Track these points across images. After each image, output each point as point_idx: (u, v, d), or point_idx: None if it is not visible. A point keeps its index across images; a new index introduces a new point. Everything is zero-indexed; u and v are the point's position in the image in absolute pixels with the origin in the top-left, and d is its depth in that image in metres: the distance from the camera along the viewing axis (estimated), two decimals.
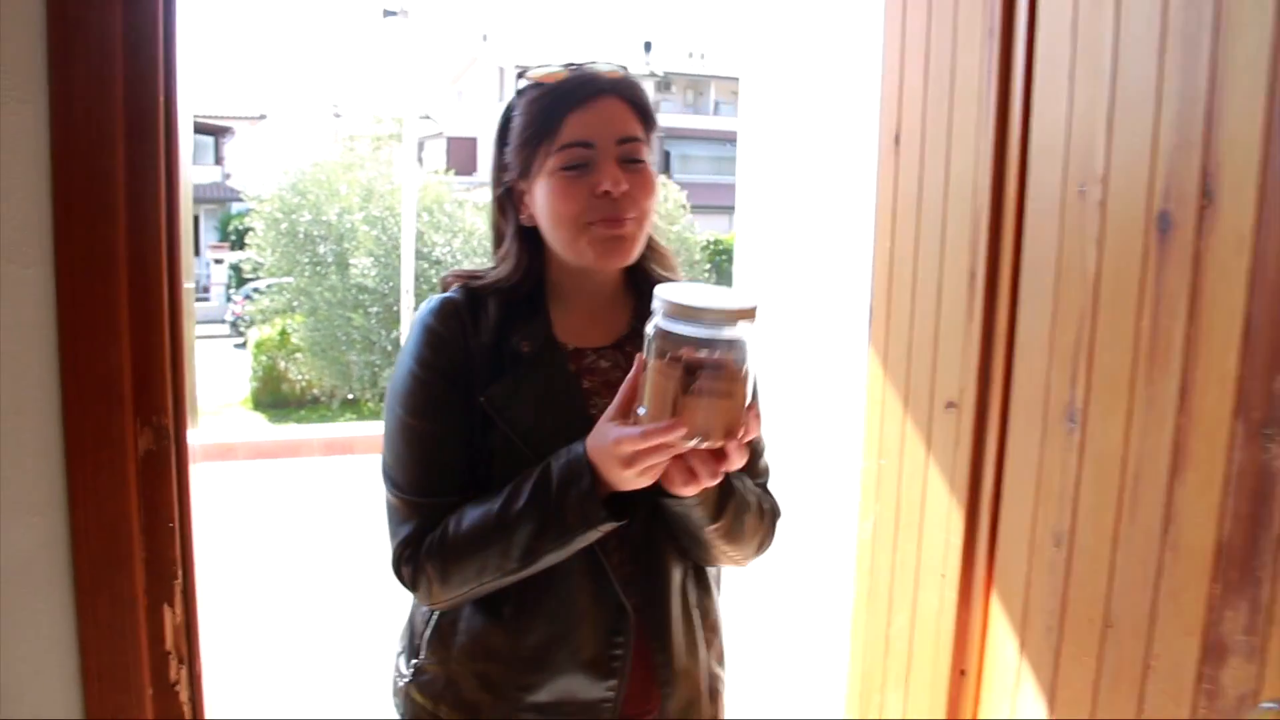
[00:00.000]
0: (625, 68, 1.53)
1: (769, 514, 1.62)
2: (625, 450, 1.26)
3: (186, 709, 1.81)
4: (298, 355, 16.66)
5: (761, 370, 1.64)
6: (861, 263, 2.49)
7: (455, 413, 1.48)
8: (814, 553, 2.76)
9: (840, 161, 2.70)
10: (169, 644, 1.78)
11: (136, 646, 1.77)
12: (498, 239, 1.61)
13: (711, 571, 1.67)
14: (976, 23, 2.07)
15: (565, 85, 1.47)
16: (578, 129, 1.45)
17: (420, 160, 26.01)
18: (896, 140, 2.31)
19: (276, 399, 17.42)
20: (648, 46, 38.84)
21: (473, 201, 17.67)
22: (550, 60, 1.53)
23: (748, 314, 1.22)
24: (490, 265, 1.61)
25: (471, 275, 1.58)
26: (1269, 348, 1.46)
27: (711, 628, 1.65)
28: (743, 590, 3.01)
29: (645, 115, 1.52)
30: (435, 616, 1.57)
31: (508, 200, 1.56)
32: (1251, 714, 1.47)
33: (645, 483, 1.32)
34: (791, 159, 3.04)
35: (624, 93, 1.49)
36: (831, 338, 2.73)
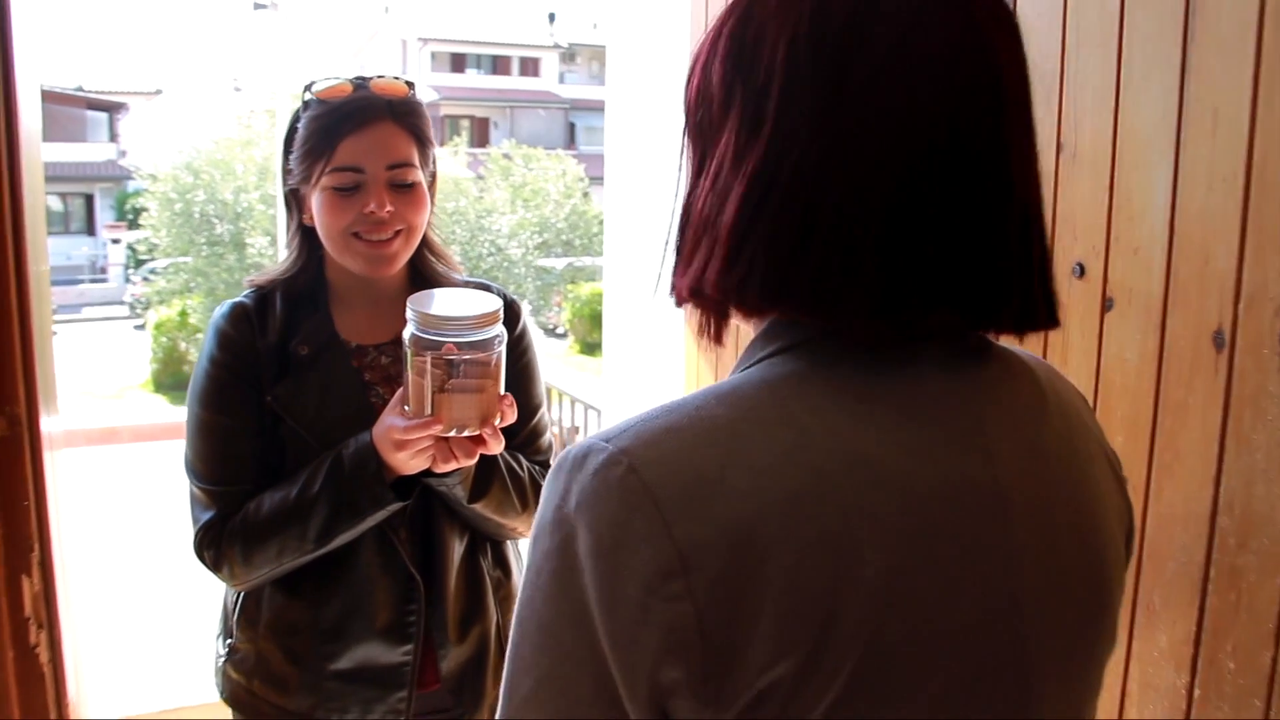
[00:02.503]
0: (412, 84, 1.63)
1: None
2: (395, 438, 1.43)
3: (47, 669, 1.92)
4: (198, 335, 16.41)
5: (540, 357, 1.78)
6: None
7: (247, 407, 1.60)
8: None
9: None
10: (28, 610, 1.89)
11: None
12: (289, 234, 1.73)
13: (509, 546, 1.81)
14: None
15: (343, 108, 1.55)
16: (349, 154, 1.54)
17: None
18: None
19: (177, 380, 17.10)
20: (551, 18, 38.65)
21: None
22: (341, 74, 1.61)
23: (489, 318, 1.39)
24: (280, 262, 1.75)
25: (260, 276, 1.70)
26: None
27: (508, 595, 1.77)
28: None
29: (421, 138, 1.61)
30: (242, 597, 1.68)
31: (292, 200, 1.66)
32: None
33: (420, 466, 1.49)
34: (653, 132, 3.08)
35: (401, 118, 1.58)
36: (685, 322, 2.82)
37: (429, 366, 1.38)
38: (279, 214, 11.30)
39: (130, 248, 25.66)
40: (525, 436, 1.76)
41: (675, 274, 0.79)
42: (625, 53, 3.32)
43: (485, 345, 1.39)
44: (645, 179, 3.16)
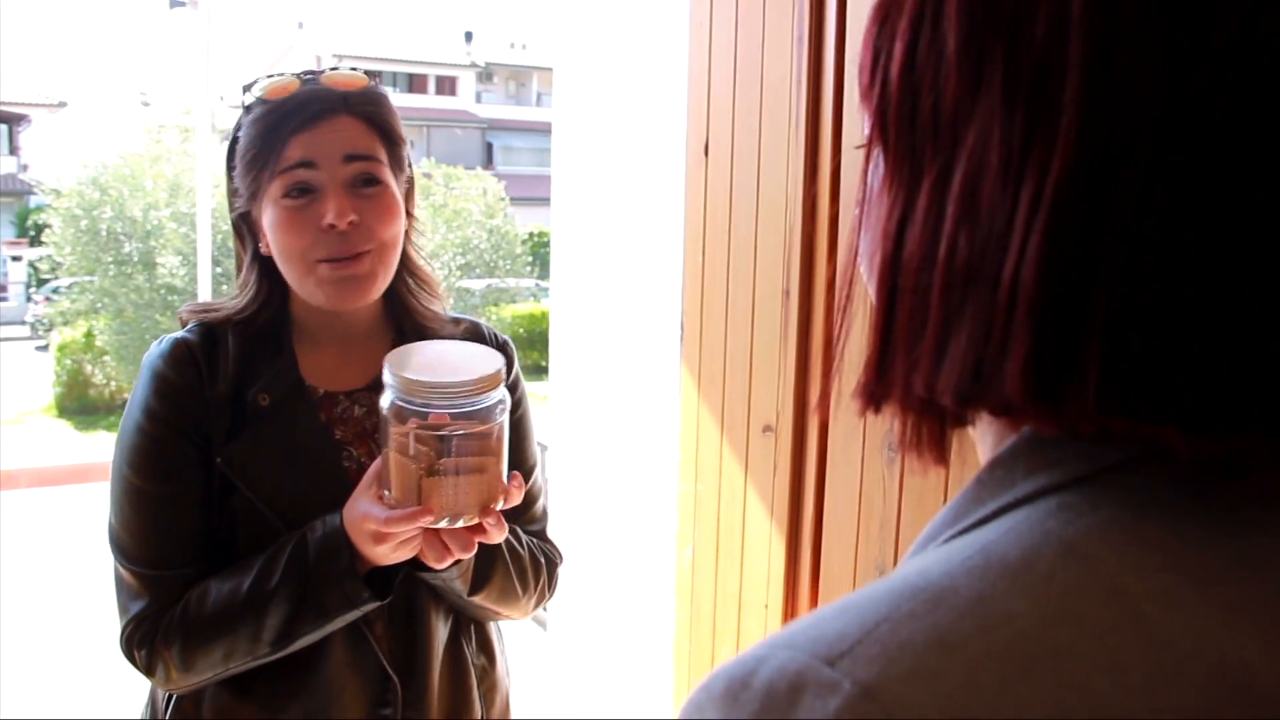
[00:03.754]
0: (373, 75, 1.38)
1: (545, 565, 1.52)
2: (372, 529, 1.18)
3: None
4: (105, 358, 15.78)
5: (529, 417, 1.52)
6: (672, 276, 2.38)
7: (190, 473, 1.31)
8: (632, 580, 2.65)
9: (651, 168, 2.58)
10: None
11: None
12: (238, 267, 1.44)
13: (491, 627, 1.55)
14: (785, 29, 1.97)
15: (290, 102, 1.30)
16: (299, 149, 1.28)
17: None
18: (705, 151, 2.21)
19: (83, 405, 16.46)
20: (469, 36, 38.39)
21: None
22: (289, 68, 1.37)
23: (490, 381, 1.13)
24: (225, 298, 1.45)
25: (207, 309, 1.41)
26: None
27: (492, 686, 1.53)
28: (563, 619, 2.88)
29: (385, 132, 1.36)
30: (176, 696, 1.39)
31: (243, 226, 1.39)
32: None
33: (402, 557, 1.24)
34: (605, 158, 2.91)
35: (358, 108, 1.32)
36: (644, 352, 2.62)
37: (413, 443, 1.12)
38: (199, 234, 10.85)
39: (32, 266, 24.75)
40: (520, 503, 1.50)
41: (883, 364, 0.51)
42: (575, 73, 3.13)
43: (486, 414, 1.13)
44: (594, 199, 2.98)
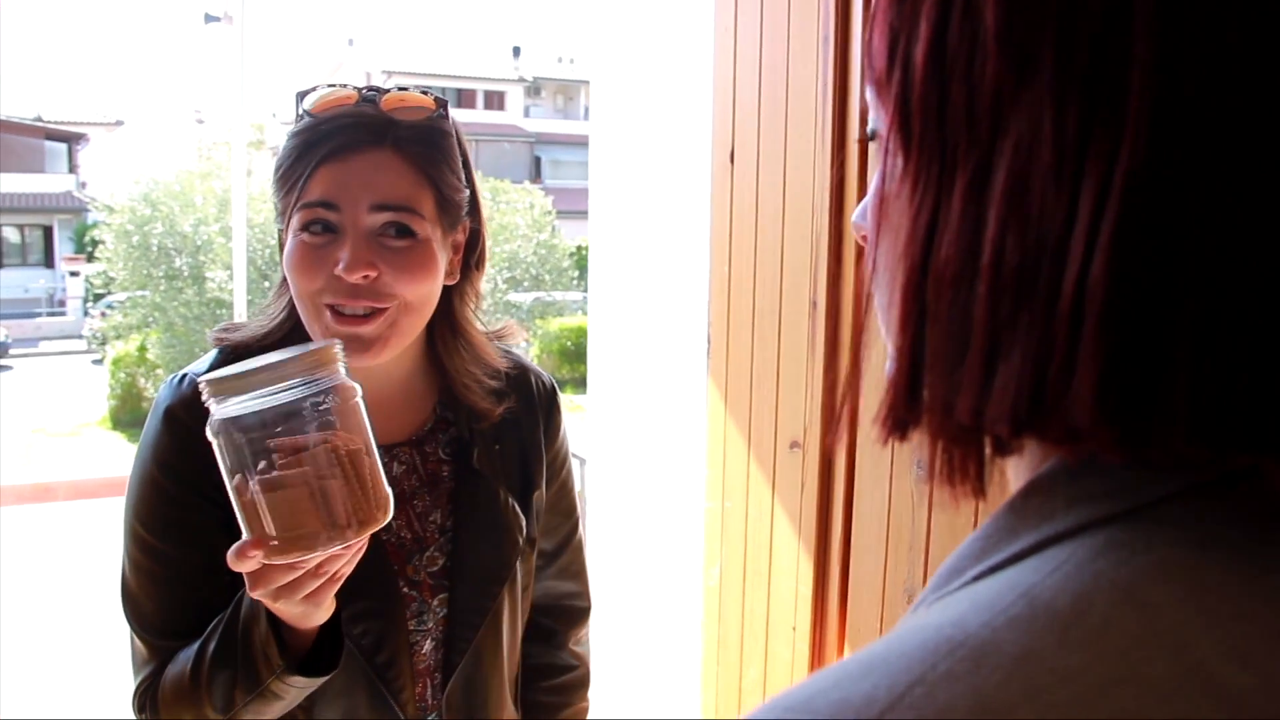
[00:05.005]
0: (442, 104, 1.21)
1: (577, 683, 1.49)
2: (233, 569, 0.97)
3: None
4: (157, 371, 15.97)
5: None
6: (699, 288, 2.32)
7: (208, 537, 1.13)
8: (660, 600, 2.58)
9: (678, 178, 2.52)
10: None
11: None
12: (277, 286, 1.31)
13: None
14: (810, 30, 1.91)
15: (330, 123, 1.14)
16: (322, 185, 1.13)
17: None
18: (731, 158, 2.14)
19: (136, 417, 16.64)
20: (516, 51, 38.60)
21: None
22: (345, 82, 1.21)
23: (310, 361, 0.93)
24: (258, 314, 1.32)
25: (234, 329, 1.28)
26: None
27: None
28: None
29: (433, 178, 1.17)
30: None
31: (280, 243, 1.24)
32: None
33: (315, 610, 1.04)
34: (637, 170, 2.85)
35: (406, 145, 1.15)
36: (673, 365, 2.55)
37: (222, 457, 0.93)
38: (235, 248, 10.94)
39: (89, 281, 25.15)
40: (558, 569, 1.46)
41: (912, 387, 0.45)
42: (610, 87, 3.07)
43: (320, 405, 0.92)
44: (628, 211, 2.92)
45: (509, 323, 1.41)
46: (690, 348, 2.42)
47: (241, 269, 10.61)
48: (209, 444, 1.04)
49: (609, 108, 3.06)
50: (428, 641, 1.28)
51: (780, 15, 1.99)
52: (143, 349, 16.28)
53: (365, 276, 1.12)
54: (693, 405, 2.42)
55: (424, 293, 1.18)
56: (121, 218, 16.06)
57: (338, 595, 1.07)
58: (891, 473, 1.73)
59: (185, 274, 15.72)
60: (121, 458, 14.31)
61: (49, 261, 32.68)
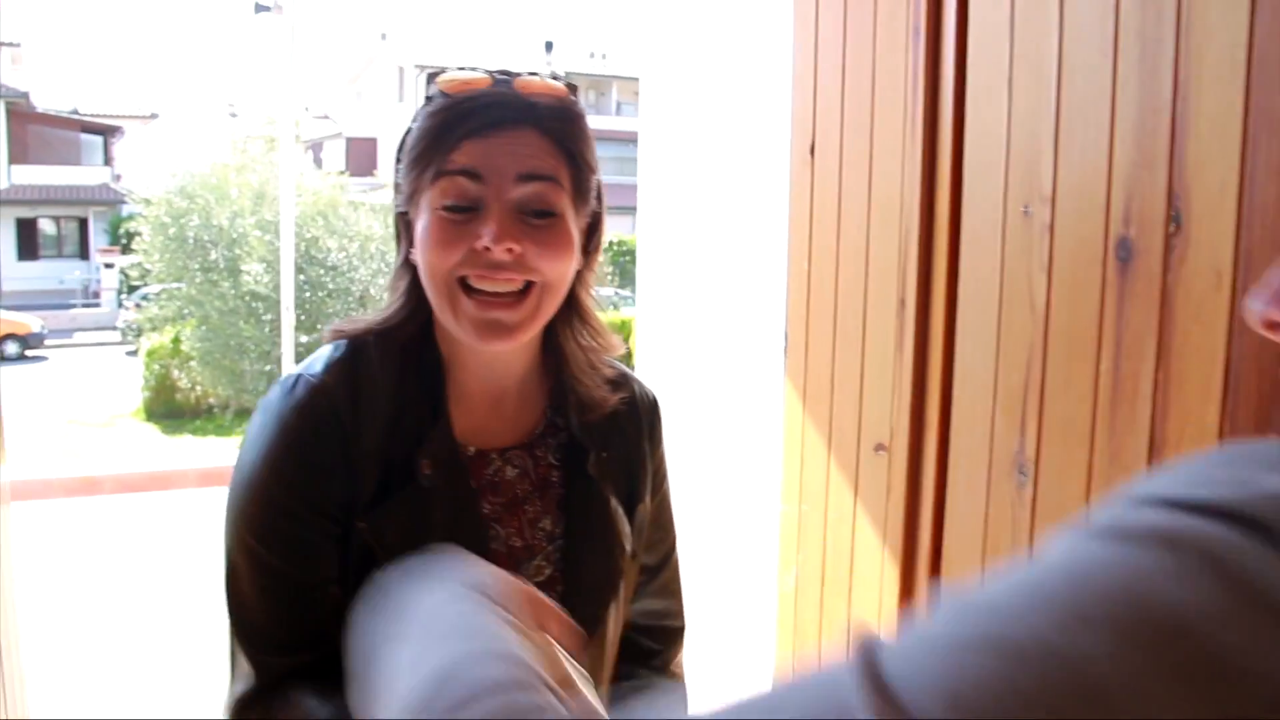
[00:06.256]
0: (573, 89, 1.19)
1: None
2: None
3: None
4: (191, 364, 16.04)
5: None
6: (775, 285, 2.26)
7: (327, 552, 1.11)
8: (730, 606, 2.52)
9: (750, 172, 2.46)
10: None
11: None
12: (394, 275, 1.25)
13: None
14: (899, 21, 1.85)
15: (470, 102, 1.12)
16: (467, 156, 1.10)
17: (319, 161, 25.36)
18: (811, 152, 2.09)
19: (170, 409, 16.76)
20: (549, 46, 38.53)
21: (369, 204, 17.15)
22: (466, 64, 1.20)
23: None
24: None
25: (351, 324, 1.22)
26: (1255, 399, 1.26)
27: None
28: None
29: (572, 155, 1.15)
30: None
31: (401, 227, 1.21)
32: None
33: None
34: (697, 165, 2.80)
35: (547, 123, 1.13)
36: (743, 363, 2.50)
37: None
38: (283, 242, 10.93)
39: (123, 273, 25.30)
40: (659, 586, 1.41)
41: None
42: (664, 82, 3.05)
43: None
44: (687, 208, 2.88)
45: (612, 334, 1.36)
46: (763, 347, 2.37)
47: (289, 261, 10.60)
48: (325, 452, 1.04)
49: (663, 103, 3.01)
50: None
51: (865, 6, 1.93)
52: (176, 341, 16.37)
53: (510, 250, 1.08)
54: (765, 407, 2.36)
55: (562, 271, 1.15)
56: (158, 210, 16.15)
57: None
58: (989, 477, 1.67)
59: (221, 266, 15.78)
60: (158, 449, 14.40)
61: (84, 253, 32.95)
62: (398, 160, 1.18)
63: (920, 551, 1.84)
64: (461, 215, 1.10)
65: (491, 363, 1.21)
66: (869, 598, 1.95)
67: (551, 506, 1.25)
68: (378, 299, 15.81)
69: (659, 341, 3.06)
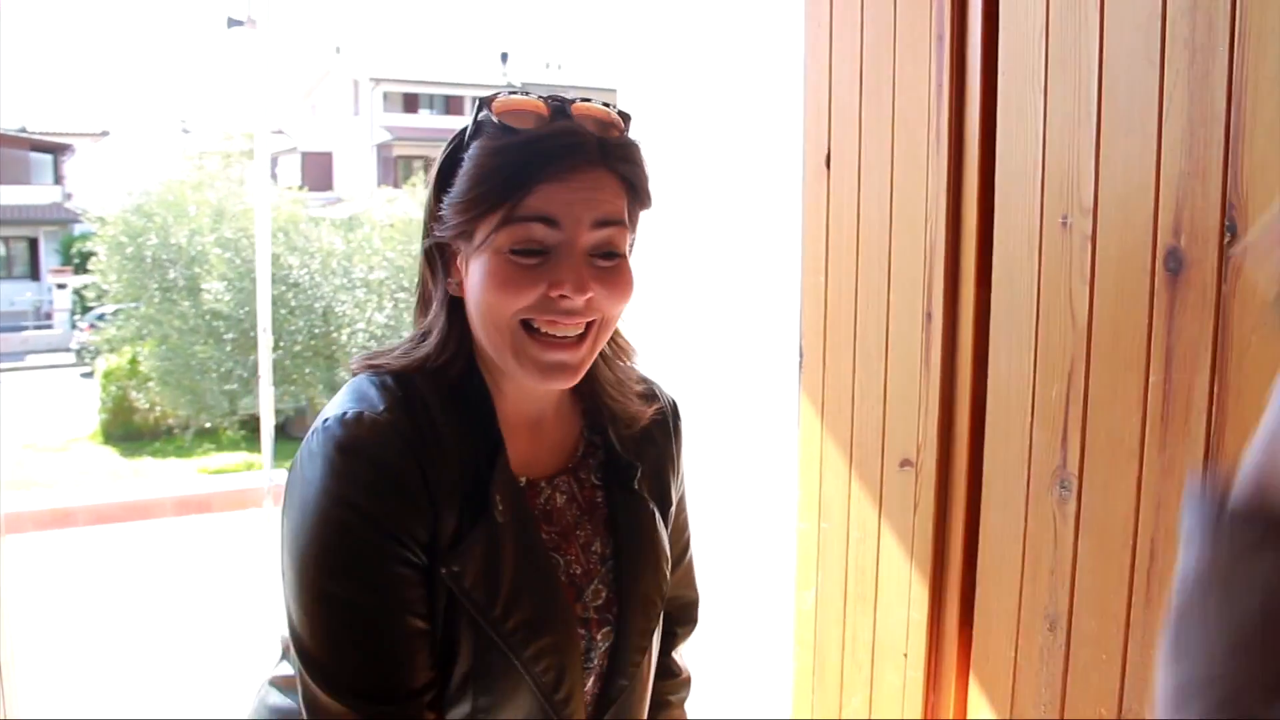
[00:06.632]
0: (627, 117, 1.14)
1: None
2: None
3: None
4: (150, 384, 15.79)
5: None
6: (786, 299, 2.23)
7: (407, 584, 1.06)
8: (745, 625, 2.48)
9: (759, 184, 2.43)
10: None
11: None
12: (424, 302, 1.20)
13: None
14: (921, 26, 1.82)
15: (541, 142, 1.06)
16: (544, 201, 1.05)
17: (274, 176, 25.11)
18: (827, 163, 2.05)
19: (128, 431, 16.53)
20: (504, 57, 38.47)
21: (329, 219, 16.98)
22: (527, 89, 1.13)
23: None
24: (401, 341, 1.21)
25: (385, 355, 1.17)
26: None
27: None
28: None
29: (637, 194, 1.14)
30: None
31: (437, 256, 1.15)
32: None
33: None
34: (691, 177, 2.76)
35: (615, 163, 1.10)
36: (755, 380, 2.46)
37: None
38: (259, 260, 10.73)
39: (77, 293, 24.91)
40: (676, 580, 1.40)
41: None
42: (640, 91, 3.03)
43: None
44: (685, 221, 2.82)
45: (626, 339, 1.34)
46: (772, 362, 2.33)
47: (265, 278, 10.40)
48: (410, 483, 1.04)
49: (650, 115, 2.97)
50: (590, 677, 1.22)
51: (884, 13, 1.90)
52: (134, 362, 16.14)
53: (587, 299, 1.07)
54: (777, 422, 2.33)
55: (623, 310, 1.14)
56: (114, 229, 15.89)
57: (523, 632, 1.09)
58: (1027, 493, 1.64)
59: (180, 285, 15.56)
60: (117, 472, 14.16)
61: (35, 274, 32.42)
62: (440, 188, 1.12)
63: (951, 566, 1.81)
64: (532, 259, 1.07)
65: (531, 392, 1.19)
66: (897, 614, 1.91)
67: (600, 528, 1.25)
68: (340, 315, 15.65)
69: (660, 358, 3.02)
